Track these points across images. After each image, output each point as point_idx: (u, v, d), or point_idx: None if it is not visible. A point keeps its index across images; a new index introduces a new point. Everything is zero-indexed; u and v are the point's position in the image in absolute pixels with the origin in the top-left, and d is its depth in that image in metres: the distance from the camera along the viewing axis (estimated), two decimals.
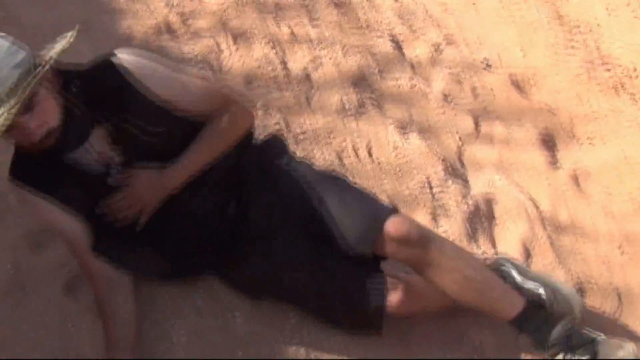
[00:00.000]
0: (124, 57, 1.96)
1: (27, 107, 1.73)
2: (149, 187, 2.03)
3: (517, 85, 3.44)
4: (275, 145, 2.29)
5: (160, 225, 2.16)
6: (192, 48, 3.48)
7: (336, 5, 3.86)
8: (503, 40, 3.65)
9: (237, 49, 3.56)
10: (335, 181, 2.28)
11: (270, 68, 3.46)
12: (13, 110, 1.68)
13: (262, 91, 3.32)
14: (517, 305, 2.01)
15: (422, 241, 1.97)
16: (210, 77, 2.23)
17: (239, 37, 3.63)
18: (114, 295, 2.10)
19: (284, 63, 3.51)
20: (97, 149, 2.00)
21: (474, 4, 3.92)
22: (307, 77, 3.47)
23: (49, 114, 1.82)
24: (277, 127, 3.14)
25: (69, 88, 1.90)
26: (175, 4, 3.60)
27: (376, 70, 3.57)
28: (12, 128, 1.72)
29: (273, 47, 3.60)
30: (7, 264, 2.45)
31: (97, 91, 1.94)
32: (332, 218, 2.06)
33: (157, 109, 2.00)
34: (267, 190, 2.21)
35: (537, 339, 2.02)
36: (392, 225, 1.98)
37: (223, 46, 3.57)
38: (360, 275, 2.15)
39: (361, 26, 3.82)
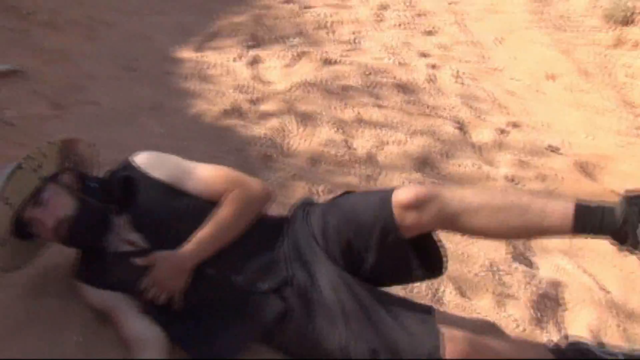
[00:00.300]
0: (138, 155, 2.17)
1: (37, 202, 2.00)
2: (169, 270, 2.04)
3: (585, 169, 3.41)
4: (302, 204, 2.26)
5: (198, 299, 2.16)
6: (260, 129, 3.55)
7: (401, 89, 3.93)
8: (569, 125, 3.65)
9: (303, 130, 3.62)
10: (345, 198, 2.24)
11: (335, 149, 3.51)
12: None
13: (327, 172, 3.35)
14: (568, 207, 1.87)
15: (433, 195, 1.93)
16: (225, 167, 2.26)
17: (306, 119, 3.70)
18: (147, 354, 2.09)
19: (348, 145, 3.55)
20: (124, 236, 2.10)
21: (537, 90, 3.95)
22: (372, 159, 3.50)
23: (59, 207, 2.01)
24: None
25: (87, 184, 2.13)
26: (244, 88, 3.70)
27: (440, 153, 3.59)
28: (30, 222, 2.00)
29: (338, 129, 3.66)
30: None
31: (110, 183, 2.14)
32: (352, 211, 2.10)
33: (167, 193, 2.11)
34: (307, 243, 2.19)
35: (610, 227, 1.85)
36: (399, 195, 1.96)
37: (290, 127, 3.65)
38: (412, 321, 2.04)
39: (426, 109, 3.86)
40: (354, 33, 4.27)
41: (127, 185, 2.10)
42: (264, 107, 3.63)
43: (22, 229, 2.05)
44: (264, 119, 3.64)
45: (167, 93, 3.62)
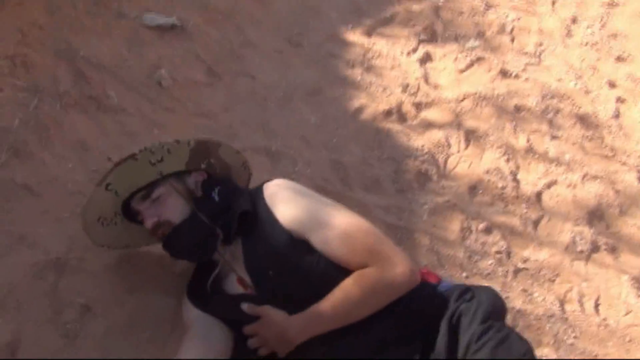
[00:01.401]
0: (271, 185, 2.00)
1: (146, 196, 1.97)
2: (275, 337, 1.83)
3: None
4: (495, 305, 1.88)
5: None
6: (420, 138, 3.19)
7: (581, 121, 3.47)
8: None
9: (466, 149, 3.23)
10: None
11: (498, 179, 3.12)
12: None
13: (487, 206, 2.98)
14: None
15: None
16: (367, 226, 1.90)
17: (472, 137, 3.31)
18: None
19: (514, 177, 3.13)
20: (235, 268, 1.95)
21: None
22: (538, 198, 3.11)
23: (165, 209, 1.96)
24: (496, 253, 2.76)
25: (209, 191, 2.01)
26: (411, 88, 3.34)
27: (616, 207, 3.15)
28: (136, 213, 1.99)
29: (505, 157, 3.24)
30: None
31: (226, 206, 1.97)
32: None
33: (289, 242, 1.88)
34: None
35: None
36: None
37: (453, 143, 3.27)
38: None
39: (606, 151, 3.39)
40: (538, 45, 3.80)
41: (245, 220, 1.92)
42: (429, 114, 3.26)
43: (133, 217, 2.00)
44: (427, 128, 3.27)
45: (328, 78, 3.29)
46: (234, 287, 2.01)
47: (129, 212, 2.04)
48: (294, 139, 2.96)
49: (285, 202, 1.90)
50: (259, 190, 1.98)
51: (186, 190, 1.98)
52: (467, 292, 1.83)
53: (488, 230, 2.87)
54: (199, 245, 1.95)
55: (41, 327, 1.99)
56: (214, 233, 1.93)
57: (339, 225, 1.84)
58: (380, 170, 2.97)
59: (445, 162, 3.18)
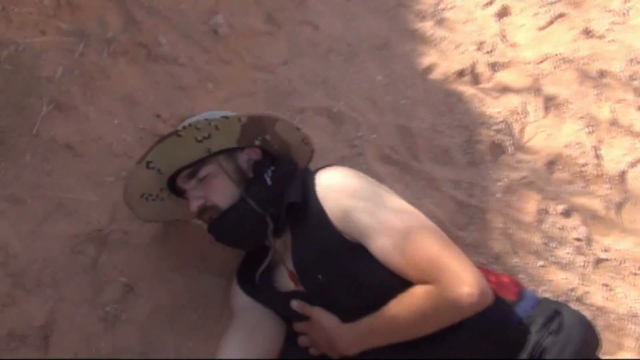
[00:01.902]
0: (325, 176, 1.74)
1: (192, 174, 1.78)
2: (325, 342, 1.69)
3: None
4: (586, 340, 1.62)
5: None
6: (494, 103, 2.88)
7: None
8: None
9: (545, 118, 2.92)
10: None
11: (579, 154, 2.82)
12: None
13: (566, 185, 2.68)
14: None
15: None
16: (432, 234, 1.59)
17: (551, 104, 2.99)
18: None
19: (596, 153, 2.82)
20: (286, 262, 1.77)
21: None
22: (622, 178, 2.79)
23: (212, 192, 1.77)
24: (576, 240, 2.48)
25: (261, 173, 1.80)
26: (486, 46, 3.02)
27: None
28: (182, 190, 1.80)
29: (587, 129, 2.92)
30: None
31: (278, 192, 1.76)
32: None
33: (343, 245, 1.65)
34: None
35: None
36: None
37: (530, 110, 2.94)
38: None
39: None
40: (625, 1, 3.39)
41: (293, 211, 1.70)
42: (505, 76, 2.96)
43: (181, 193, 1.83)
44: (503, 92, 2.97)
45: (397, 31, 3.00)
46: (284, 280, 1.82)
47: (175, 188, 1.80)
48: (359, 99, 2.69)
49: (340, 201, 1.65)
50: (312, 178, 1.73)
51: (236, 170, 1.79)
52: (553, 319, 1.57)
53: (567, 213, 2.59)
54: (247, 234, 1.77)
55: (78, 309, 1.81)
56: (264, 222, 1.73)
57: (399, 232, 1.58)
58: (451, 139, 2.69)
59: (522, 132, 2.88)
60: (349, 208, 1.64)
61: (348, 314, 1.70)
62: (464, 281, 1.51)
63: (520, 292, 1.73)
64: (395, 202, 1.69)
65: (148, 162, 1.76)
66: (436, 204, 2.45)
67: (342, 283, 1.69)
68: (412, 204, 2.37)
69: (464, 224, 2.45)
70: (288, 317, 1.84)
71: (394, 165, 2.52)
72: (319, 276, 1.70)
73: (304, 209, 1.70)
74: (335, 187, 1.68)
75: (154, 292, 1.93)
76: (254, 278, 1.86)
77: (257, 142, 1.85)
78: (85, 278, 1.87)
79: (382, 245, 1.61)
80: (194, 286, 1.98)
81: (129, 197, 1.84)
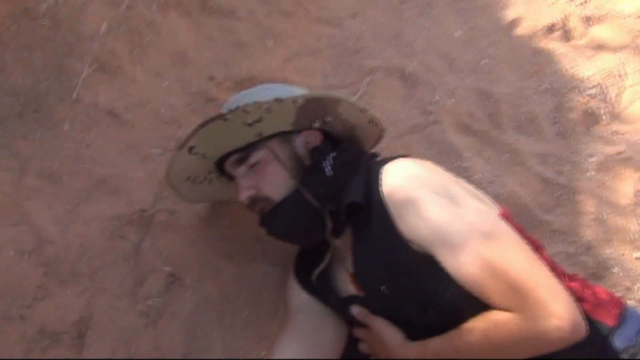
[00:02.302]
0: (392, 172, 1.45)
1: (241, 160, 1.57)
2: (383, 355, 1.51)
3: None
4: None
5: None
6: (587, 64, 2.54)
7: None
8: None
9: None
10: None
11: None
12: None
13: None
14: None
15: None
16: (519, 252, 1.30)
17: None
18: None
19: None
20: (345, 264, 1.55)
21: None
22: None
23: (263, 182, 1.54)
24: None
25: (320, 161, 1.55)
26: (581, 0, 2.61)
27: None
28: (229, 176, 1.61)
29: None
30: None
31: (339, 184, 1.52)
32: None
33: (408, 256, 1.40)
34: None
35: None
36: None
37: (629, 72, 2.58)
38: None
39: None
40: None
41: (354, 214, 1.47)
42: (600, 32, 2.62)
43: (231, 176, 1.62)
44: (597, 51, 2.62)
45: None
46: (344, 283, 1.59)
47: (224, 170, 1.57)
48: (435, 58, 2.39)
49: (408, 205, 1.39)
50: (377, 172, 1.47)
51: (292, 156, 1.58)
52: None
53: None
54: (302, 231, 1.57)
55: (117, 302, 1.61)
56: (321, 219, 1.52)
57: (477, 245, 1.32)
58: (538, 105, 2.37)
59: (618, 97, 2.52)
60: (419, 214, 1.37)
61: (412, 330, 1.48)
62: (553, 312, 1.25)
63: (622, 314, 1.44)
64: (475, 209, 1.41)
65: (191, 148, 1.52)
66: (520, 182, 2.16)
67: (408, 298, 1.45)
68: (492, 182, 2.10)
69: (551, 206, 2.16)
70: (348, 320, 1.63)
71: (472, 136, 2.23)
72: (382, 287, 1.47)
73: (367, 211, 1.43)
74: (404, 187, 1.41)
75: (201, 283, 1.72)
76: (310, 275, 1.62)
77: (316, 125, 1.58)
78: (125, 267, 1.67)
79: (457, 260, 1.35)
80: (245, 276, 1.77)
81: (172, 180, 1.62)
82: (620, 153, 2.33)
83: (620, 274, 2.05)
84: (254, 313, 1.74)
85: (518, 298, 1.28)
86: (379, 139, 1.78)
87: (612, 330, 1.41)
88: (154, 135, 1.87)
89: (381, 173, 1.47)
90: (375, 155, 1.66)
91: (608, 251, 2.09)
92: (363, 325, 1.57)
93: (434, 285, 1.41)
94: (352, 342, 1.67)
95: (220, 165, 1.62)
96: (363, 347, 1.61)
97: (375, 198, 1.45)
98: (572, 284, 1.47)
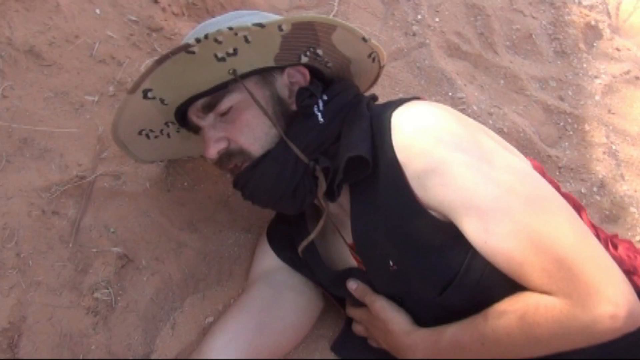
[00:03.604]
0: (405, 119, 1.13)
1: (209, 107, 1.19)
2: (387, 344, 1.25)
3: None
4: None
5: None
6: None
7: None
8: None
9: None
10: None
11: None
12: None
13: None
14: None
15: None
16: (570, 224, 0.99)
17: None
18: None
19: None
20: (345, 238, 1.24)
21: None
22: None
23: (241, 132, 1.19)
24: None
25: (309, 105, 1.21)
26: None
27: None
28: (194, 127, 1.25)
29: None
30: None
31: (334, 134, 1.21)
32: None
33: (426, 226, 1.10)
34: None
35: None
36: None
37: None
38: None
39: None
40: None
41: (355, 171, 1.14)
42: None
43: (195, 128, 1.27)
44: None
45: None
46: (340, 254, 1.31)
47: (187, 120, 1.21)
48: None
49: (428, 160, 1.08)
50: (385, 118, 1.15)
51: (274, 99, 1.22)
52: None
53: None
54: (289, 193, 1.22)
55: (56, 298, 1.26)
56: (312, 177, 1.21)
57: (514, 212, 1.04)
58: (534, 20, 2.05)
59: (618, 8, 2.21)
60: (443, 173, 1.05)
61: (424, 315, 1.21)
62: (607, 297, 0.99)
63: None
64: (510, 164, 1.09)
65: (145, 91, 1.15)
66: (519, 112, 1.86)
67: (422, 276, 1.16)
68: (492, 114, 1.79)
69: (556, 138, 1.87)
70: (339, 296, 1.37)
71: (464, 60, 1.90)
72: (390, 262, 1.16)
73: (373, 166, 1.11)
74: (423, 140, 1.08)
75: (159, 263, 1.39)
76: (291, 241, 1.34)
77: (304, 59, 1.22)
78: (63, 251, 1.31)
79: (488, 230, 1.05)
80: (213, 249, 1.44)
81: (121, 135, 1.25)
82: (627, 72, 2.04)
83: (637, 214, 1.79)
84: (227, 293, 1.40)
85: (565, 278, 1.00)
86: (376, 79, 1.43)
87: None
88: (88, 78, 1.48)
89: (392, 120, 1.12)
90: (375, 98, 1.32)
91: (624, 188, 1.82)
92: (360, 304, 1.26)
93: (457, 261, 1.11)
94: (347, 324, 1.37)
95: (181, 113, 1.25)
96: (359, 329, 1.33)
97: (385, 152, 1.13)
98: (619, 252, 1.18)
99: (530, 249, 1.01)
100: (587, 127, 1.91)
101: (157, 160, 1.43)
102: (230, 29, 1.08)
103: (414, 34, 1.90)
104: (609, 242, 1.23)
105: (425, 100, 1.21)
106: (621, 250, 1.21)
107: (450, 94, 1.82)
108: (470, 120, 1.18)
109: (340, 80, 1.29)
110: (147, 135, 1.31)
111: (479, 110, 1.80)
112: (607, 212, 1.79)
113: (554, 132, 1.89)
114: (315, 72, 1.28)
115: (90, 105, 1.47)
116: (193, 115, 1.23)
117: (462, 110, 1.78)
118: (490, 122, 1.79)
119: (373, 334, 1.29)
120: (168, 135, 1.33)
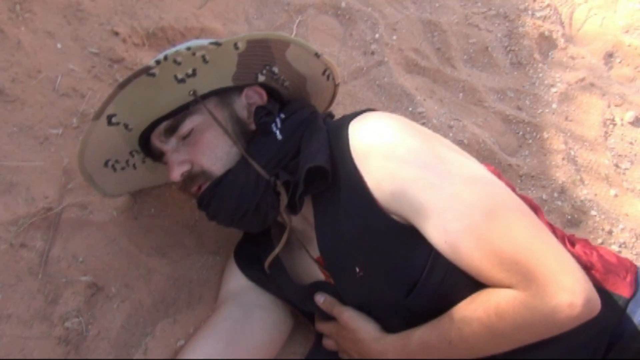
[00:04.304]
0: (362, 127, 1.18)
1: (170, 130, 1.24)
2: (357, 353, 1.27)
3: None
4: None
5: None
6: None
7: None
8: None
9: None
10: None
11: None
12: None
13: (627, 80, 2.17)
14: None
15: None
16: (522, 219, 1.03)
17: None
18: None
19: None
20: (305, 240, 1.29)
21: None
22: None
23: (203, 153, 1.23)
24: None
25: (267, 124, 1.26)
26: None
27: None
28: (158, 154, 1.28)
29: None
30: None
31: (293, 150, 1.25)
32: None
33: (387, 228, 1.14)
34: None
35: None
36: None
37: None
38: None
39: None
40: None
41: (316, 182, 1.18)
42: None
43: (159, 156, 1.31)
44: None
45: None
46: (307, 269, 1.34)
47: (151, 149, 1.24)
48: None
49: (387, 167, 1.12)
50: (342, 130, 1.19)
51: (233, 120, 1.27)
52: None
53: (637, 122, 2.05)
54: (252, 209, 1.25)
55: (27, 330, 1.27)
56: (274, 192, 1.23)
57: (472, 212, 1.08)
58: (489, 33, 2.11)
59: (571, 17, 2.27)
60: (401, 177, 1.10)
61: (392, 320, 1.23)
62: (564, 286, 1.03)
63: (636, 279, 1.22)
64: (465, 166, 1.13)
65: (110, 116, 1.18)
66: (479, 123, 1.91)
67: (389, 280, 1.19)
68: (452, 127, 1.83)
69: (516, 147, 1.92)
70: (308, 312, 1.39)
71: (423, 75, 1.95)
72: (357, 269, 1.18)
73: (333, 176, 1.15)
74: (380, 146, 1.13)
75: (129, 290, 1.41)
76: (259, 260, 1.36)
77: (260, 78, 1.26)
78: (32, 283, 1.33)
79: (447, 231, 1.09)
80: (182, 274, 1.46)
81: (87, 166, 1.27)
82: (582, 80, 2.10)
83: (598, 217, 1.83)
84: (198, 317, 1.43)
85: (522, 272, 1.05)
86: (333, 98, 1.47)
87: (628, 302, 1.18)
88: (52, 111, 1.51)
89: (349, 131, 1.17)
90: (331, 115, 1.36)
91: (584, 192, 1.87)
92: (329, 318, 1.29)
93: (420, 263, 1.15)
94: (317, 339, 1.40)
95: (145, 140, 1.28)
96: (329, 343, 1.36)
97: (344, 162, 1.17)
98: (576, 249, 1.22)
99: (488, 246, 1.05)
100: (545, 135, 1.96)
101: (124, 193, 1.45)
102: (189, 49, 1.12)
103: (373, 53, 1.94)
104: (566, 240, 1.27)
105: (379, 111, 1.25)
106: (578, 247, 1.25)
107: (410, 109, 1.86)
108: (423, 127, 1.22)
109: (297, 100, 1.33)
110: (114, 167, 1.33)
111: (439, 124, 1.84)
112: (569, 217, 1.83)
113: (514, 141, 1.94)
114: (272, 93, 1.32)
115: (55, 139, 1.49)
116: (156, 140, 1.26)
117: (422, 124, 1.82)
118: (451, 134, 1.83)
119: (343, 346, 1.31)
120: (134, 166, 1.36)
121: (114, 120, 1.19)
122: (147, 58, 1.64)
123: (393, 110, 1.83)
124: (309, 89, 1.37)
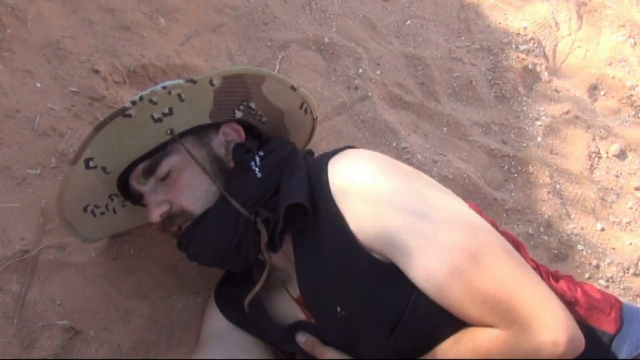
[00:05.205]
0: (341, 165, 1.17)
1: (148, 171, 1.22)
2: None
3: None
4: None
5: None
6: (519, 15, 2.31)
7: None
8: None
9: (579, 30, 2.34)
10: None
11: (625, 74, 2.25)
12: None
13: (612, 112, 2.17)
14: None
15: None
16: (503, 257, 1.02)
17: (583, 11, 2.39)
18: None
19: None
20: (290, 291, 1.26)
21: None
22: None
23: (181, 193, 1.22)
24: (636, 190, 1.96)
25: (246, 161, 1.25)
26: None
27: None
28: (137, 197, 1.26)
29: (632, 39, 2.35)
30: None
31: (272, 188, 1.23)
32: None
33: (368, 267, 1.12)
34: None
35: None
36: None
37: (561, 21, 2.35)
38: None
39: None
40: None
41: (296, 219, 1.16)
42: None
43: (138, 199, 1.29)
44: (524, 0, 2.34)
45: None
46: (288, 308, 1.31)
47: (130, 192, 1.22)
48: (354, 23, 2.08)
49: (367, 207, 1.11)
50: (322, 168, 1.19)
51: (211, 158, 1.26)
52: None
53: (622, 155, 2.05)
54: (233, 248, 1.23)
55: None
56: (254, 230, 1.21)
57: (453, 252, 1.07)
58: (473, 67, 2.11)
59: (555, 50, 2.28)
60: (382, 218, 1.08)
61: (375, 359, 1.20)
62: (547, 325, 1.03)
63: (620, 315, 1.20)
64: (446, 205, 1.11)
65: (87, 160, 1.16)
66: (464, 157, 1.90)
67: (370, 318, 1.17)
68: (436, 161, 1.82)
69: (501, 181, 1.90)
70: (290, 352, 1.36)
71: (407, 110, 1.94)
72: (338, 308, 1.15)
73: (313, 213, 1.13)
74: (360, 185, 1.12)
75: (107, 333, 1.38)
76: (240, 300, 1.31)
77: (238, 114, 1.25)
78: (8, 327, 1.30)
79: (429, 271, 1.08)
80: (162, 315, 1.43)
81: (66, 212, 1.25)
82: (567, 112, 2.10)
83: (585, 251, 1.82)
84: (180, 356, 1.40)
85: (505, 310, 1.04)
86: (312, 132, 1.46)
87: (613, 338, 1.16)
88: (30, 151, 1.49)
89: (328, 169, 1.15)
90: (311, 152, 1.34)
91: (570, 227, 1.85)
92: (310, 358, 1.26)
93: (402, 301, 1.13)
94: None
95: (124, 183, 1.26)
96: None
97: (324, 199, 1.15)
98: (559, 285, 1.20)
99: (470, 285, 1.04)
100: (530, 169, 1.95)
101: (104, 237, 1.43)
102: (164, 87, 1.11)
103: (356, 88, 1.94)
104: (550, 276, 1.26)
105: (359, 148, 1.24)
106: (562, 283, 1.23)
107: (394, 144, 1.85)
108: (403, 164, 1.21)
109: (275, 137, 1.31)
110: (93, 212, 1.31)
111: (423, 159, 1.83)
112: (556, 252, 1.82)
113: (499, 175, 1.92)
114: (250, 130, 1.30)
115: (33, 179, 1.47)
116: (134, 182, 1.24)
117: (407, 160, 1.81)
118: (435, 169, 1.82)
119: None
120: (114, 210, 1.34)
121: (91, 164, 1.17)
122: (128, 96, 1.63)
123: (377, 145, 1.82)
124: (287, 123, 1.36)
